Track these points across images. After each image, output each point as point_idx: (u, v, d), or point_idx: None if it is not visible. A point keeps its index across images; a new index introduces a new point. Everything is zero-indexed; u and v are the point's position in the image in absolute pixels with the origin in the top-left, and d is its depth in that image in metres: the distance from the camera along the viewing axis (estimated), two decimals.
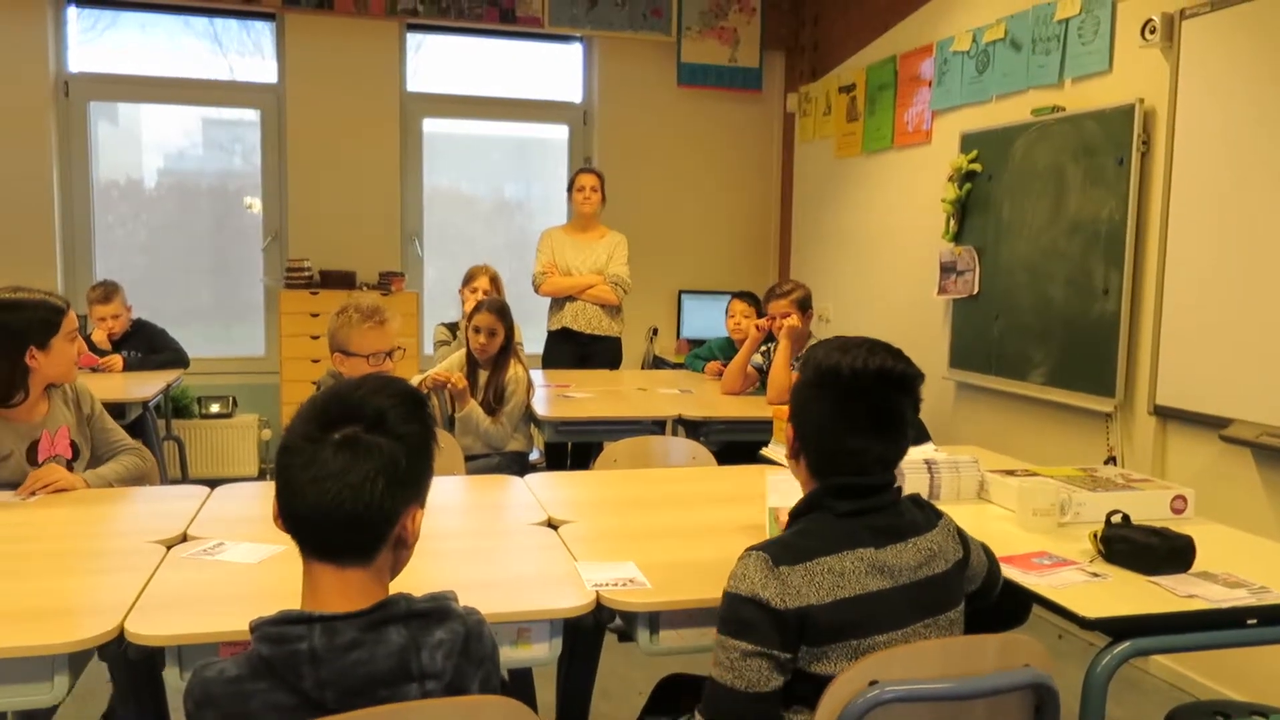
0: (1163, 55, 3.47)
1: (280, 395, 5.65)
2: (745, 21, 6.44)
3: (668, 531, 2.24)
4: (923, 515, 1.60)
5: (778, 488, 2.19)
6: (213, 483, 2.64)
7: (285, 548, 1.94)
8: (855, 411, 1.56)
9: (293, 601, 1.27)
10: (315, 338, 5.53)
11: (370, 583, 1.26)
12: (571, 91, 6.51)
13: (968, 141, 4.50)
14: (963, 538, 1.66)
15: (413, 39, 6.18)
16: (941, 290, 4.67)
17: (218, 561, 1.98)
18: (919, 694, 1.41)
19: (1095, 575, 1.96)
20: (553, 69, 6.53)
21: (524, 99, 6.44)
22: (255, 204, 6.06)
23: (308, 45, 5.86)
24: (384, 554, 1.27)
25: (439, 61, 6.32)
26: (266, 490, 2.71)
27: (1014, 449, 3.61)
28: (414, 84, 6.20)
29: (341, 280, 5.73)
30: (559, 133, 6.53)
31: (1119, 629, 1.76)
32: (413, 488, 1.27)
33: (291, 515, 1.24)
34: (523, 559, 2.07)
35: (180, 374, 4.80)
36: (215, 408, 5.79)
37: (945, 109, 4.77)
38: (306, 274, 5.73)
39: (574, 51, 6.49)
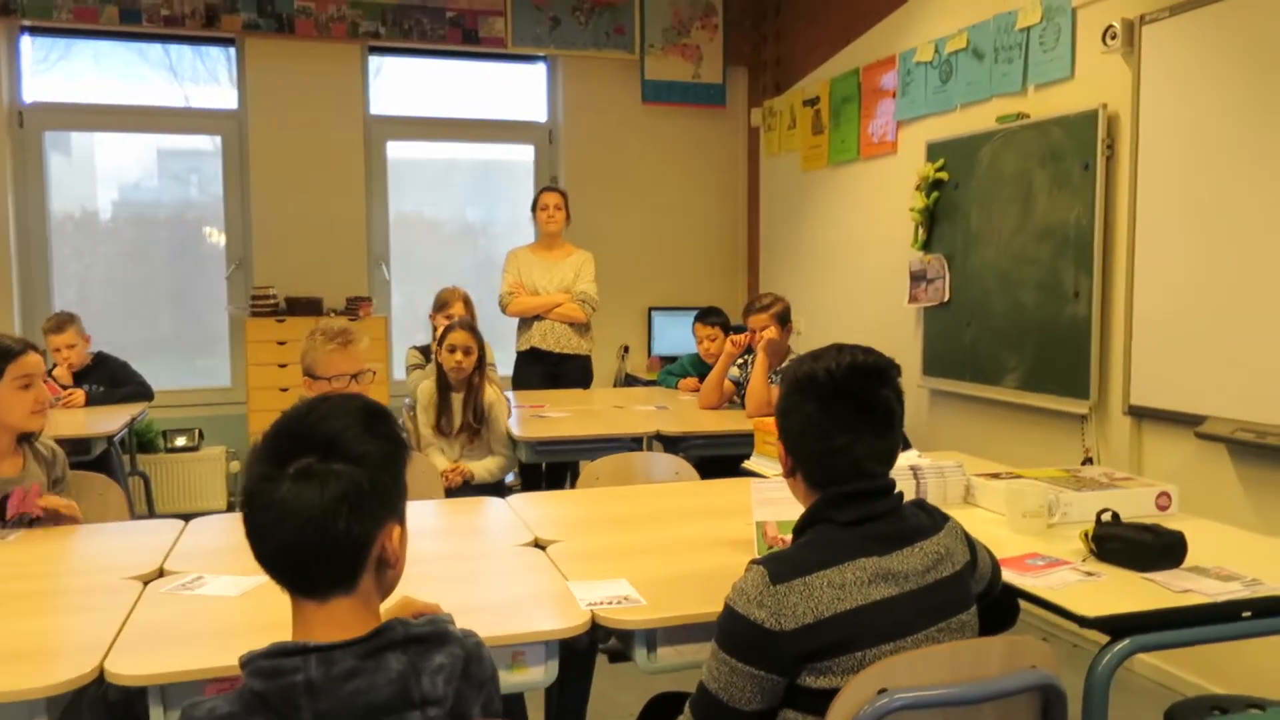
0: (1124, 61, 3.52)
1: (248, 426, 5.55)
2: (708, 38, 6.47)
3: (657, 547, 2.21)
4: (928, 519, 1.59)
5: (763, 501, 2.18)
6: (181, 518, 2.57)
7: (269, 579, 1.89)
8: (838, 410, 1.55)
9: (280, 633, 1.22)
10: (283, 366, 5.45)
11: (360, 610, 1.22)
12: (536, 111, 6.50)
13: (934, 150, 4.54)
14: (969, 540, 1.64)
15: (375, 61, 6.14)
16: (912, 299, 4.69)
17: (198, 595, 1.92)
18: (927, 700, 1.39)
19: (1089, 574, 1.95)
20: (517, 89, 6.52)
21: (489, 120, 6.42)
22: (215, 233, 5.97)
23: (269, 70, 5.81)
24: (367, 579, 1.22)
25: (402, 84, 6.29)
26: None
27: (990, 454, 3.62)
28: (377, 107, 6.16)
29: (308, 307, 5.66)
30: (522, 154, 6.51)
31: (1117, 627, 1.75)
32: (383, 507, 1.21)
33: (264, 558, 1.20)
34: (512, 580, 2.03)
35: (144, 407, 4.69)
36: (181, 441, 5.67)
37: (910, 119, 4.81)
38: (272, 301, 5.65)
39: (538, 71, 6.48)
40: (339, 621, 1.20)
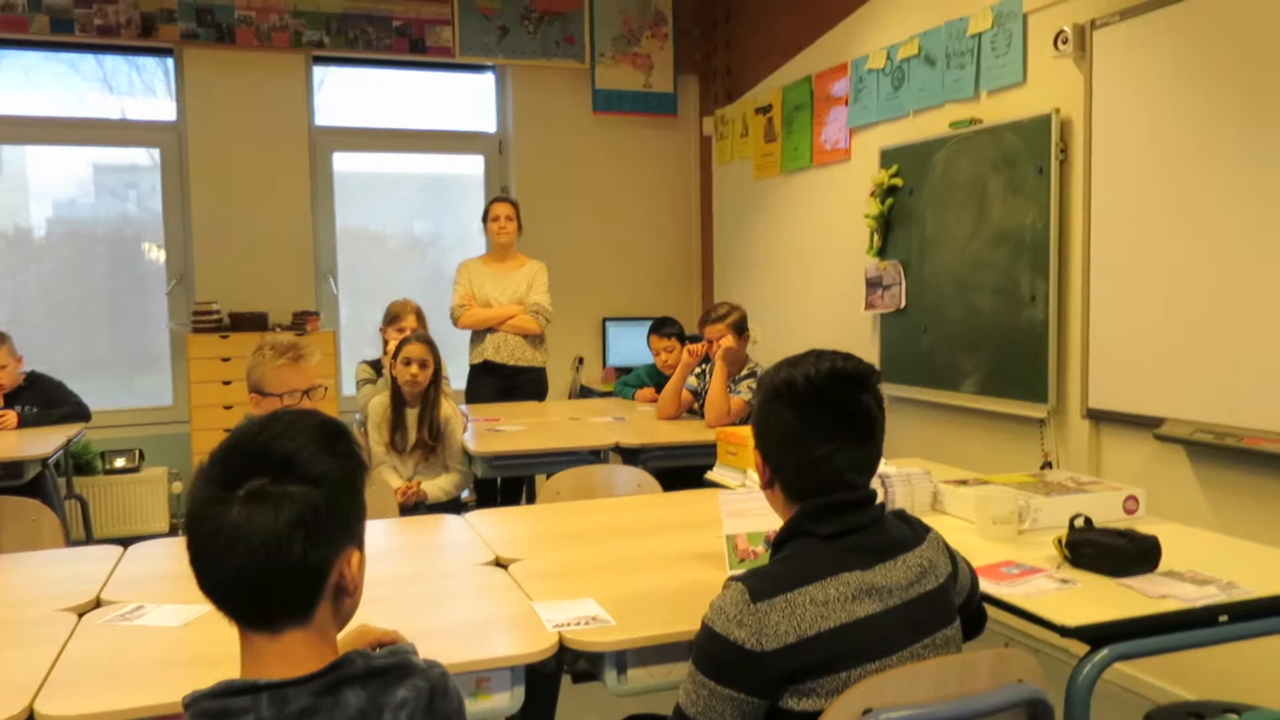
0: (1076, 65, 3.54)
1: (191, 445, 5.37)
2: (658, 47, 6.44)
3: (624, 564, 2.14)
4: (910, 530, 1.54)
5: (733, 513, 2.12)
6: (121, 542, 2.44)
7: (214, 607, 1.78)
8: (818, 417, 1.49)
9: (227, 667, 1.13)
10: (227, 383, 5.29)
11: (315, 642, 1.13)
12: (486, 121, 6.42)
13: (887, 157, 4.54)
14: (949, 551, 1.60)
15: (319, 71, 6.01)
16: (869, 305, 4.68)
17: (138, 627, 1.81)
18: (916, 718, 1.34)
19: (1065, 581, 1.92)
20: (465, 99, 6.43)
21: (437, 130, 6.32)
22: (154, 248, 5.79)
23: (209, 81, 5.65)
24: (323, 609, 1.13)
25: (348, 94, 6.16)
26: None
27: (949, 459, 3.60)
28: (322, 118, 6.03)
29: (253, 322, 5.50)
30: (471, 166, 6.42)
31: (1097, 635, 1.72)
32: (342, 531, 1.13)
33: (211, 587, 1.10)
34: (474, 602, 1.94)
35: (81, 428, 4.51)
36: (120, 462, 5.47)
37: (863, 126, 4.81)
38: (215, 317, 5.49)
39: (486, 81, 6.40)
40: (292, 655, 1.11)
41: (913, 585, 1.47)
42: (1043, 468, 3.70)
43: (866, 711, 1.34)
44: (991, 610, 1.79)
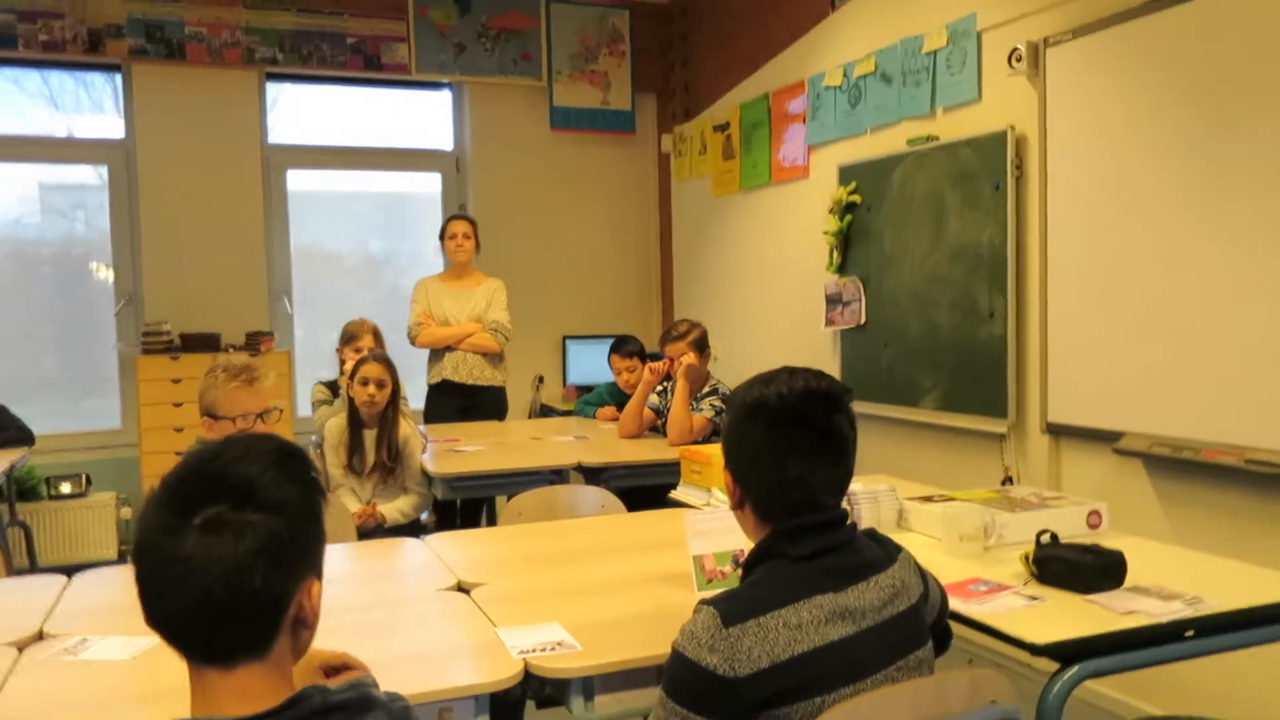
0: (1030, 83, 3.58)
1: (140, 469, 5.23)
2: (615, 65, 6.44)
3: (590, 587, 2.10)
4: (882, 550, 1.52)
5: (699, 533, 2.09)
6: (67, 570, 2.35)
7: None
8: (791, 437, 1.47)
9: (177, 702, 1.07)
10: (178, 405, 5.16)
11: (271, 677, 1.08)
12: (442, 139, 6.36)
13: (846, 174, 4.56)
14: (920, 570, 1.58)
15: (273, 89, 5.92)
16: (829, 322, 4.69)
17: (82, 661, 1.73)
18: None
19: (1033, 599, 1.91)
20: (422, 117, 6.37)
21: (393, 148, 6.25)
22: (102, 268, 5.65)
23: (158, 98, 5.54)
24: (281, 642, 1.08)
25: (302, 112, 6.08)
26: (132, 572, 2.45)
27: (911, 475, 3.60)
28: (276, 135, 5.94)
29: (204, 343, 5.38)
30: (428, 184, 6.35)
31: (1066, 653, 1.71)
32: (302, 560, 1.08)
33: (163, 620, 1.04)
34: (436, 629, 1.89)
35: (25, 453, 4.37)
36: (66, 487, 5.31)
37: (821, 143, 4.84)
38: (165, 338, 5.36)
39: (443, 99, 6.35)
40: (248, 691, 1.06)
41: (885, 606, 1.45)
42: (1004, 483, 3.72)
43: None
44: (956, 627, 1.78)
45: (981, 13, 3.82)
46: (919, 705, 1.36)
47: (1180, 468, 3.10)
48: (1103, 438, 3.33)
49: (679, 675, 1.38)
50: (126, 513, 5.44)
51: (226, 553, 1.01)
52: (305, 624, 1.10)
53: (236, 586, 1.01)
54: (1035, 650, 1.69)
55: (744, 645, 1.35)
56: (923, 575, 1.59)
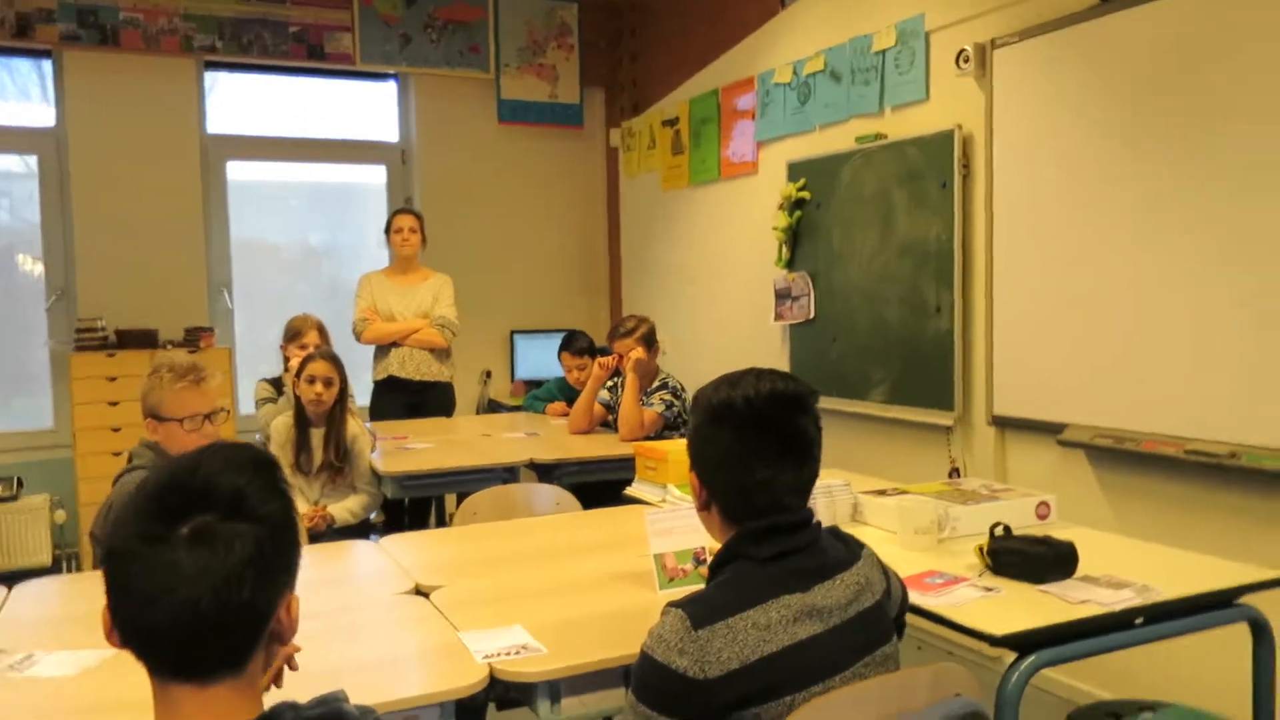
0: (977, 83, 3.64)
1: (75, 471, 5.08)
2: (564, 58, 6.40)
3: (551, 587, 2.09)
4: (845, 549, 1.53)
5: (659, 532, 2.09)
6: (1, 577, 2.27)
7: (112, 652, 1.66)
8: (757, 440, 1.48)
9: (130, 718, 1.04)
10: (114, 404, 5.02)
11: (244, 694, 1.05)
12: (388, 131, 6.27)
13: (795, 170, 4.59)
14: (882, 565, 1.59)
15: (211, 77, 5.78)
16: (778, 316, 4.72)
17: (27, 679, 1.68)
18: None
19: (988, 590, 1.95)
20: (366, 108, 6.27)
21: (337, 139, 6.14)
22: (31, 261, 5.47)
23: (92, 85, 5.38)
24: (257, 658, 1.06)
25: (243, 101, 5.94)
26: (77, 584, 2.37)
27: (859, 467, 3.65)
28: (215, 125, 5.80)
29: (142, 339, 5.24)
30: (372, 176, 6.26)
31: (1024, 643, 1.74)
32: (285, 573, 1.07)
33: (140, 633, 1.01)
34: (396, 635, 1.86)
35: None
36: None
37: (770, 139, 4.86)
38: (100, 334, 5.21)
39: (388, 90, 6.26)
40: (219, 708, 1.03)
41: (851, 604, 1.46)
42: (951, 474, 3.79)
43: None
44: (912, 618, 1.81)
45: (930, 13, 3.87)
46: (886, 701, 1.38)
47: (1122, 458, 3.18)
48: (1047, 429, 3.40)
49: (648, 679, 1.38)
50: (61, 516, 5.28)
51: (216, 564, 0.99)
52: (280, 638, 1.08)
53: (226, 599, 0.99)
54: (994, 641, 1.73)
55: (713, 647, 1.35)
56: (884, 571, 1.61)
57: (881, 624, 1.51)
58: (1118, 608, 1.82)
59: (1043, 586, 1.94)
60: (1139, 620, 1.86)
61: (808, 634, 1.40)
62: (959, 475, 3.77)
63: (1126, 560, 2.13)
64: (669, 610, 1.41)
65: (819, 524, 1.52)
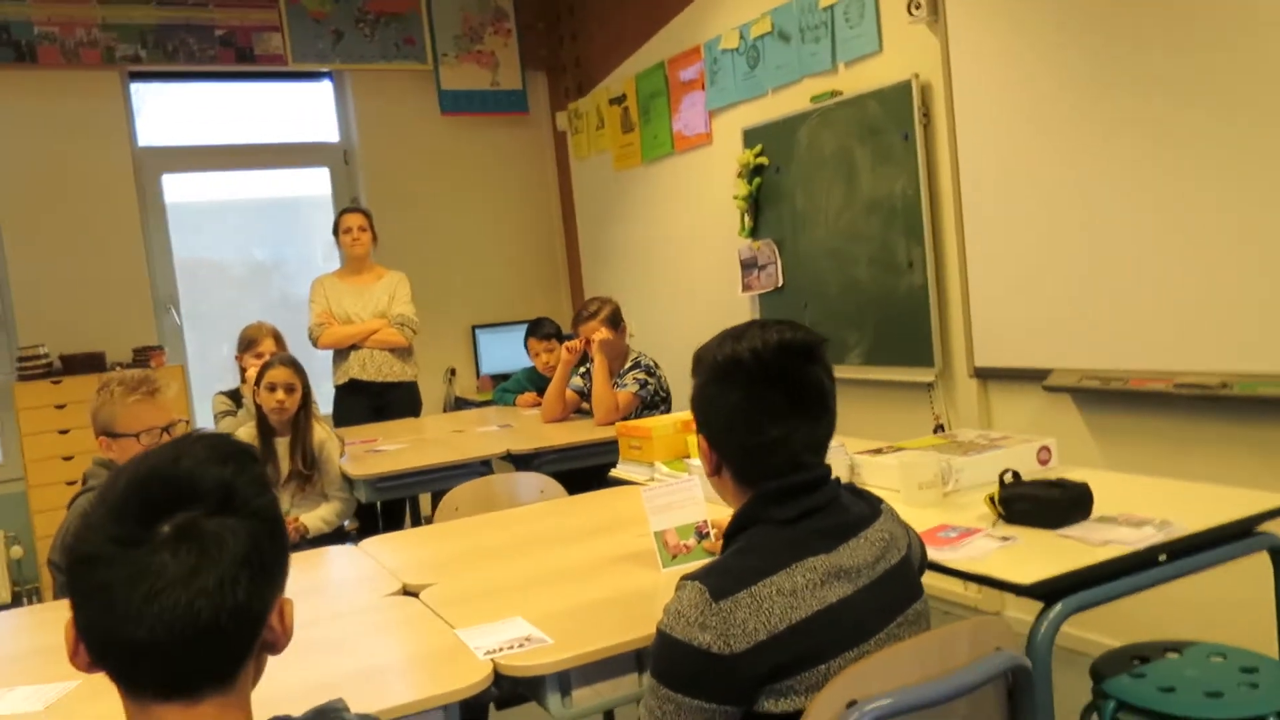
0: (930, 30, 3.56)
1: (29, 504, 4.87)
2: (502, 44, 6.25)
3: (547, 576, 1.97)
4: (866, 505, 1.44)
5: (658, 508, 1.99)
6: None
7: (79, 682, 1.53)
8: (768, 395, 1.37)
9: None
10: (64, 432, 4.82)
11: (235, 712, 0.93)
12: (327, 131, 6.08)
13: (750, 136, 4.50)
14: (902, 521, 1.50)
15: (140, 89, 5.55)
16: (746, 287, 4.64)
17: None
18: (904, 705, 1.23)
19: (1005, 539, 1.87)
20: (303, 110, 6.07)
21: (276, 144, 5.94)
22: None
23: (11, 105, 5.14)
24: (248, 670, 0.95)
25: (175, 112, 5.72)
26: (37, 615, 2.22)
27: (842, 431, 3.57)
28: (147, 138, 5.57)
29: (88, 363, 5.03)
30: (310, 188, 6.05)
31: (1050, 590, 1.66)
32: (280, 575, 0.95)
33: (121, 648, 0.88)
34: (390, 638, 1.74)
35: None
36: None
37: (722, 108, 4.76)
38: (44, 361, 4.99)
39: (324, 89, 6.07)
40: None
41: (878, 562, 1.37)
42: (935, 430, 3.72)
43: (851, 704, 1.22)
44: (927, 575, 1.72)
45: None
46: (926, 661, 1.28)
47: (1110, 399, 3.13)
48: (1030, 377, 3.35)
49: (670, 658, 1.27)
50: (18, 551, 5.07)
51: (207, 564, 0.87)
52: (273, 647, 0.97)
53: (220, 602, 0.87)
54: (1020, 590, 1.64)
55: (737, 619, 1.25)
56: (905, 526, 1.52)
57: (909, 580, 1.42)
58: (1143, 545, 1.74)
59: (1060, 531, 1.86)
60: (1162, 558, 1.78)
61: (837, 597, 1.30)
62: (944, 430, 3.71)
63: (1138, 497, 2.06)
64: (685, 584, 1.30)
65: (837, 480, 1.43)
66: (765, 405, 1.36)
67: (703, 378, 1.42)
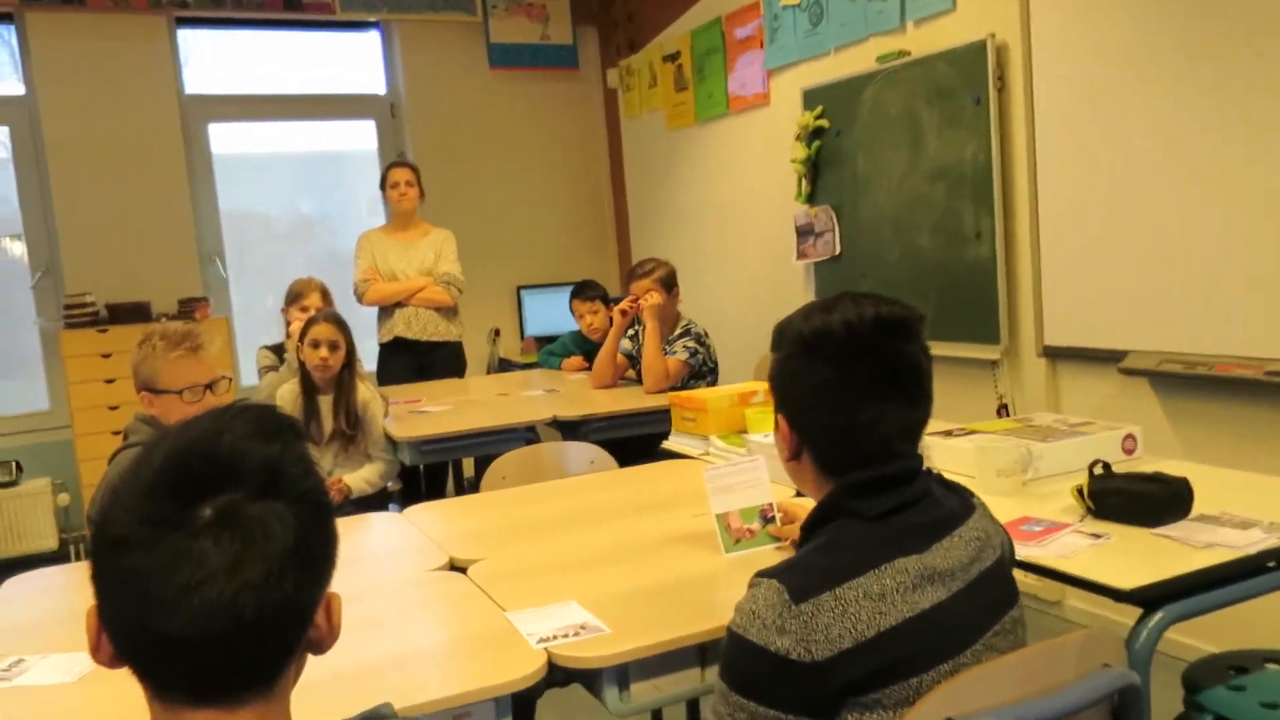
0: None
1: (75, 452, 4.87)
2: None
3: (601, 556, 1.87)
4: (959, 500, 1.31)
5: (720, 489, 1.88)
6: (5, 563, 2.06)
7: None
8: (861, 373, 1.25)
9: None
10: (110, 381, 4.80)
11: (275, 717, 0.84)
12: (375, 83, 5.97)
13: (810, 98, 4.32)
14: (993, 518, 1.37)
15: (186, 35, 5.47)
16: (801, 255, 4.48)
17: (18, 688, 1.47)
18: None
19: (1096, 536, 1.73)
20: (351, 60, 5.96)
21: (322, 94, 5.84)
22: (11, 239, 5.20)
23: (60, 49, 5.08)
24: (291, 670, 0.85)
25: (221, 60, 5.64)
26: (77, 572, 2.16)
27: None
28: (194, 86, 5.50)
29: (134, 313, 5.01)
30: (356, 142, 5.95)
31: (1152, 596, 1.53)
32: (328, 567, 0.86)
33: (149, 643, 0.78)
34: (436, 618, 1.65)
35: None
36: None
37: (781, 67, 4.58)
38: (91, 310, 4.97)
39: (372, 40, 5.95)
40: None
41: (973, 564, 1.24)
42: (999, 411, 3.57)
43: None
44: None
45: None
46: (1029, 678, 1.16)
47: (1192, 384, 2.96)
48: (1104, 358, 3.18)
49: (743, 664, 1.16)
50: (64, 499, 5.09)
51: (252, 554, 0.78)
52: (317, 646, 0.87)
53: (265, 595, 0.78)
54: (1120, 596, 1.51)
55: (820, 623, 1.13)
56: (997, 523, 1.39)
57: (1005, 583, 1.29)
58: (1253, 550, 1.60)
59: (1158, 530, 1.72)
60: (1271, 564, 1.64)
61: (929, 602, 1.18)
62: (1007, 412, 3.56)
63: (1236, 494, 1.91)
64: (760, 581, 1.19)
65: (929, 471, 1.30)
66: (858, 383, 1.24)
67: (786, 351, 1.30)
